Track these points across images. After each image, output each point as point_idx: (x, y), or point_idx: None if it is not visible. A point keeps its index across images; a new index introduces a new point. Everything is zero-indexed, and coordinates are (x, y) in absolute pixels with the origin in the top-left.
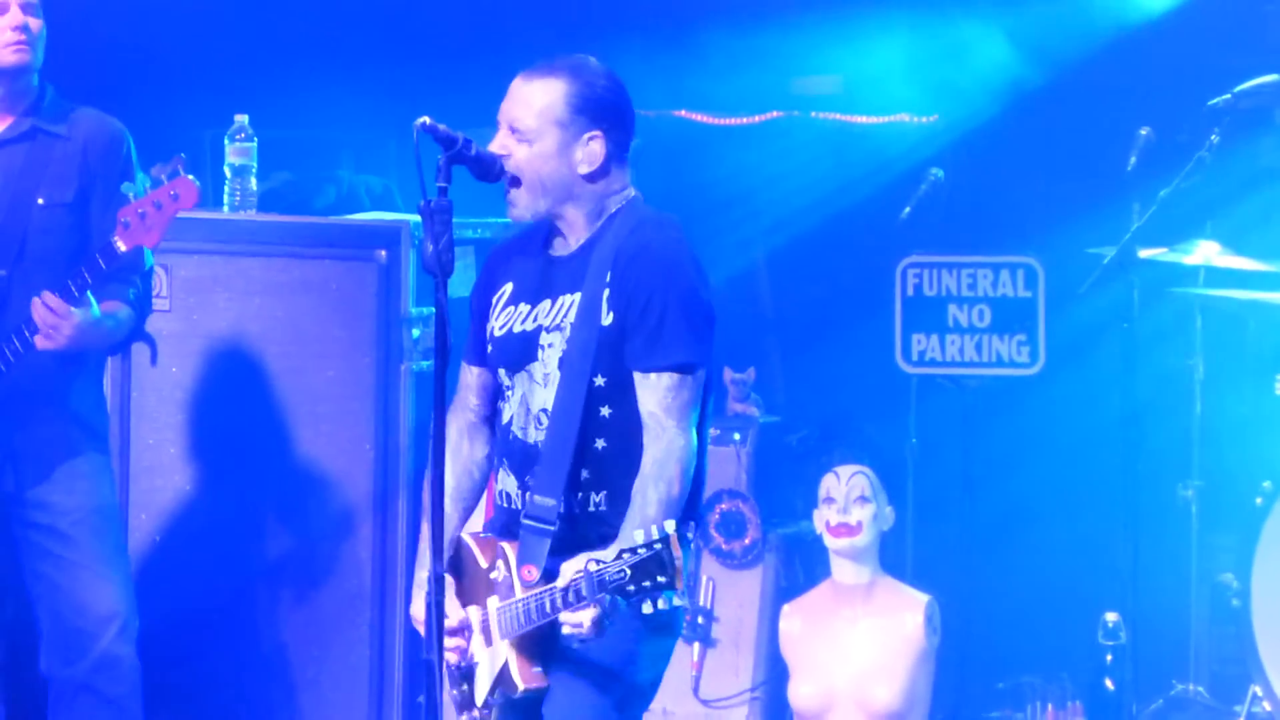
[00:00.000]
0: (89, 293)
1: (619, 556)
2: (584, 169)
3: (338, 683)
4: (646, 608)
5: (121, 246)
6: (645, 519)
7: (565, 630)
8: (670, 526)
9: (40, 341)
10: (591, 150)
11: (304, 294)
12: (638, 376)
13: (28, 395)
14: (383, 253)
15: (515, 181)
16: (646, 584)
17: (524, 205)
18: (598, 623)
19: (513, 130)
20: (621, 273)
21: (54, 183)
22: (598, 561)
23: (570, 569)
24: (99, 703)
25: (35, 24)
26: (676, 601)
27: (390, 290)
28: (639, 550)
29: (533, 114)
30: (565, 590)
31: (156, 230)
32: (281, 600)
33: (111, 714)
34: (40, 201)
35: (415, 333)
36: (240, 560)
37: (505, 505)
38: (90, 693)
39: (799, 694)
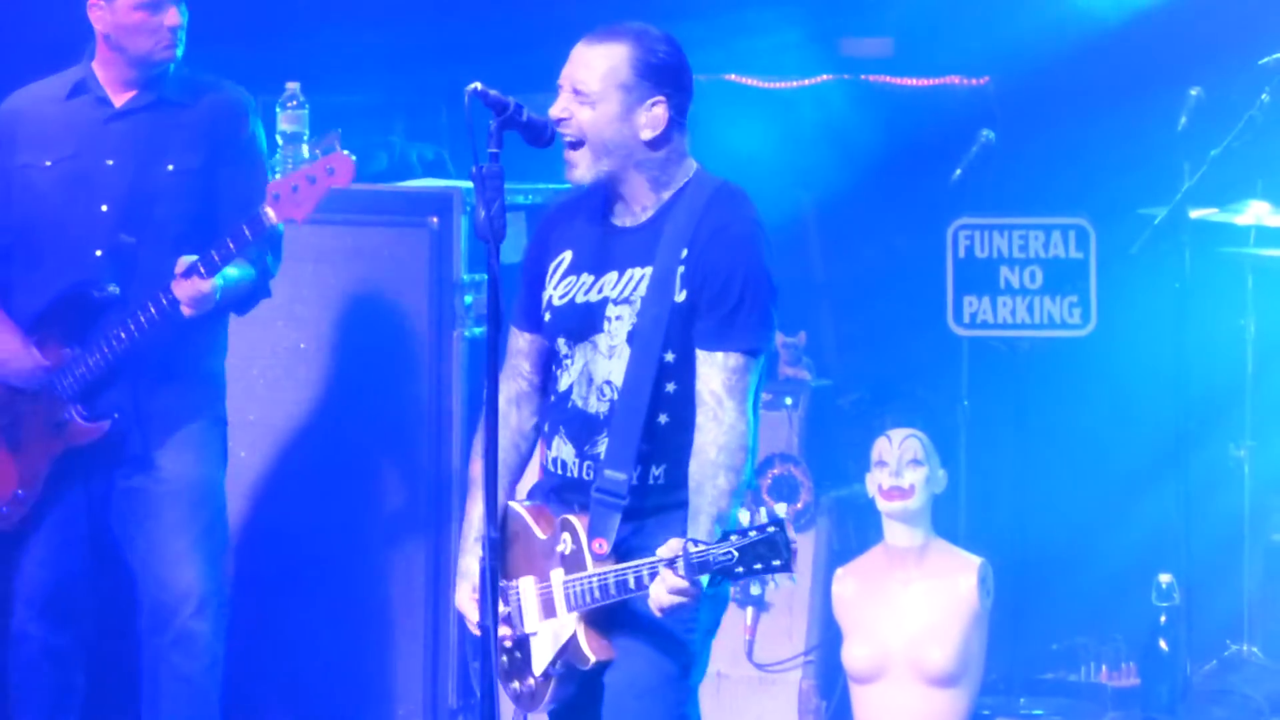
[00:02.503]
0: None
1: (725, 538)
2: (647, 134)
3: (392, 655)
4: (755, 589)
5: (272, 218)
6: (720, 510)
7: (655, 607)
8: (782, 511)
9: (186, 311)
10: (655, 115)
11: (356, 261)
12: (702, 354)
13: (157, 360)
14: (435, 219)
15: (576, 144)
16: (758, 566)
17: (584, 168)
18: (691, 598)
19: (576, 93)
20: (699, 251)
21: (181, 150)
22: (695, 543)
23: (666, 552)
24: (174, 677)
25: (183, 19)
26: (790, 584)
27: (442, 257)
28: (749, 533)
29: (596, 77)
30: (655, 568)
31: (308, 204)
32: (334, 564)
33: (184, 690)
34: (170, 168)
35: (467, 299)
36: (291, 525)
37: (559, 473)
38: (168, 666)
39: (853, 656)
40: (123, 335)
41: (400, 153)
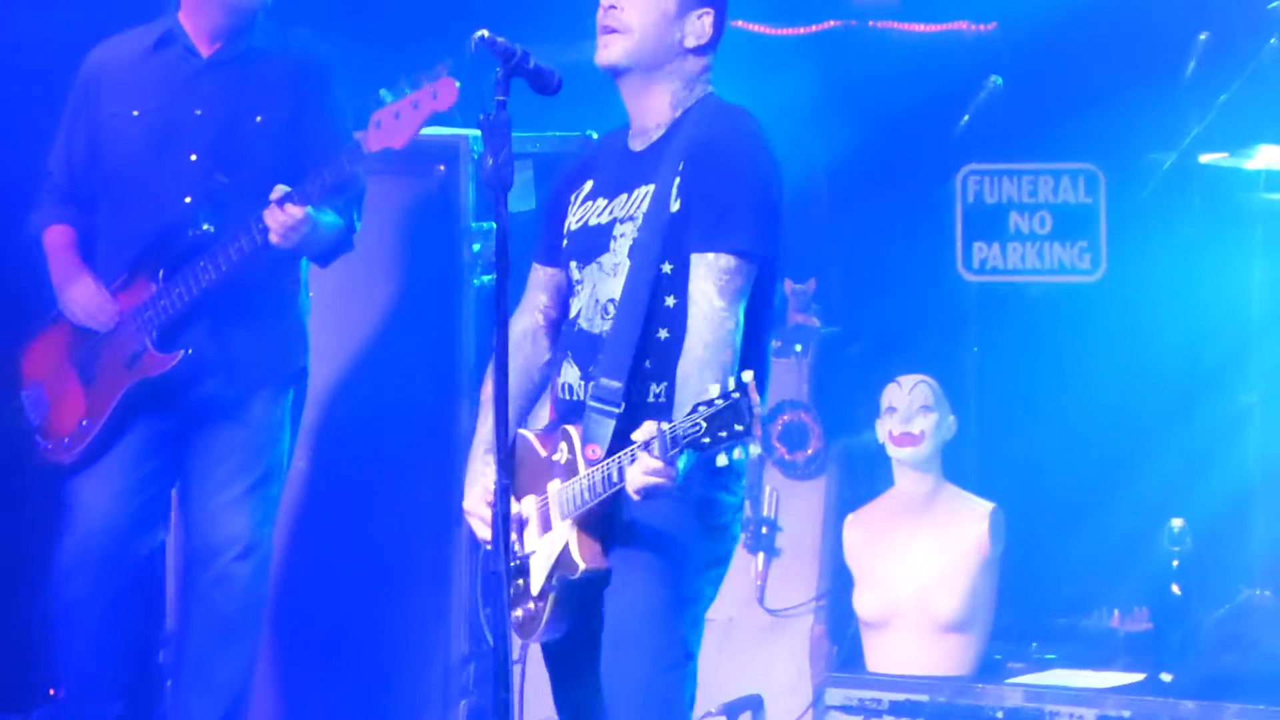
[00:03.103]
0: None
1: (693, 410)
2: (690, 41)
3: (400, 595)
4: (721, 460)
5: (372, 146)
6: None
7: (631, 490)
8: (747, 376)
9: (273, 238)
10: (702, 24)
11: (363, 210)
12: (695, 257)
13: (240, 302)
14: (441, 167)
15: (613, 30)
16: (723, 434)
17: (621, 51)
18: (667, 479)
19: None
20: (695, 160)
21: (270, 101)
22: (668, 422)
23: (640, 435)
24: (211, 615)
25: None
26: (753, 450)
27: (449, 205)
28: (715, 402)
29: None
30: (631, 453)
31: (409, 130)
32: (341, 507)
33: (220, 627)
34: (258, 119)
35: (475, 247)
36: (295, 473)
37: (566, 397)
38: (206, 604)
39: (863, 602)
40: (209, 270)
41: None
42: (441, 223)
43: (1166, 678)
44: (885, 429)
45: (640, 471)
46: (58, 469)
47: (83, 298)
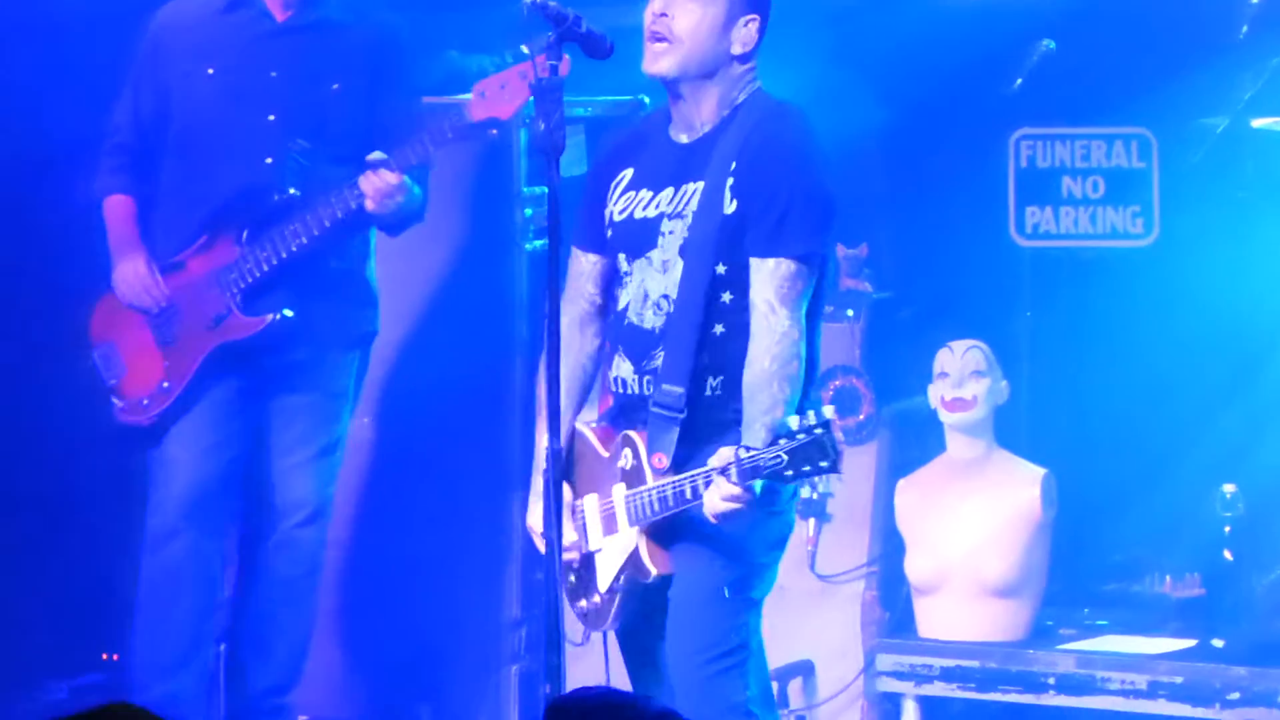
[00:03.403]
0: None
1: (775, 443)
2: (737, 49)
3: (452, 561)
4: (805, 491)
5: (476, 116)
6: (774, 419)
7: (709, 514)
8: (829, 413)
9: (370, 205)
10: (748, 32)
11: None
12: (755, 262)
13: (320, 267)
14: (494, 131)
15: (664, 39)
16: (806, 468)
17: (669, 62)
18: (745, 505)
19: None
20: (748, 162)
21: (346, 70)
22: (747, 449)
23: (718, 461)
24: (273, 580)
25: None
26: (836, 484)
27: (501, 169)
28: (797, 436)
29: None
30: (707, 478)
31: (517, 100)
32: (393, 475)
33: (282, 591)
34: (335, 87)
35: (527, 211)
36: (350, 440)
37: (621, 391)
38: (269, 569)
39: (915, 567)
40: (300, 234)
41: (458, 65)
42: (493, 187)
43: (1218, 643)
44: (937, 394)
45: (719, 497)
46: (132, 430)
47: (133, 277)
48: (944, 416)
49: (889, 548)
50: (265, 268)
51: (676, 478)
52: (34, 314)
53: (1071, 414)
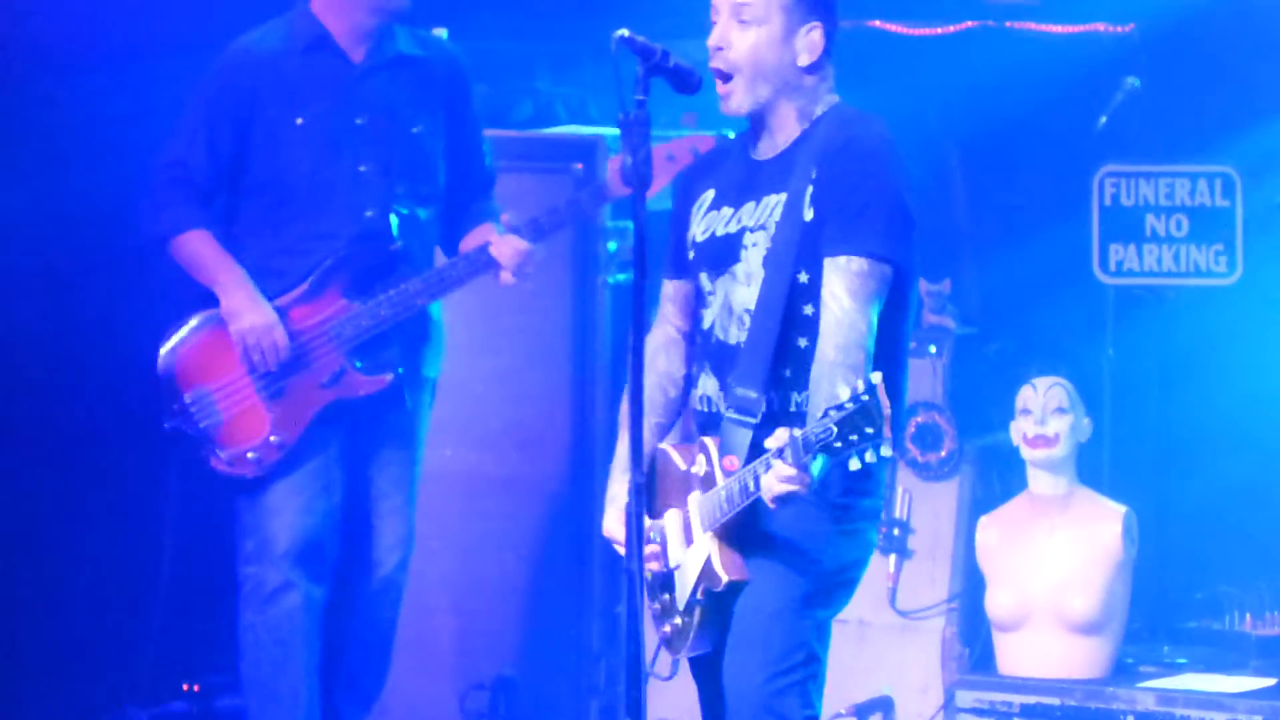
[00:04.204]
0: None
1: (824, 415)
2: (804, 59)
3: (535, 597)
4: (854, 464)
5: (618, 191)
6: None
7: (767, 498)
8: (876, 378)
9: (505, 277)
10: (812, 40)
11: (501, 207)
12: (827, 261)
13: (420, 318)
14: (579, 165)
15: (730, 75)
16: (854, 438)
17: (741, 96)
18: (802, 485)
19: (737, 17)
20: (826, 168)
21: (425, 110)
22: (799, 428)
23: (773, 442)
24: (371, 624)
25: None
26: (885, 452)
27: None
28: (845, 405)
29: None
30: (766, 461)
31: (662, 179)
32: (477, 512)
33: (377, 637)
34: (416, 129)
35: (612, 245)
36: (434, 471)
37: (705, 410)
38: (367, 614)
39: (996, 604)
40: (424, 295)
41: (545, 99)
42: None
43: None
44: (1019, 431)
45: (775, 479)
46: (231, 479)
47: (263, 328)
48: (1026, 453)
49: (970, 584)
50: (383, 324)
51: (740, 470)
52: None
53: (1153, 452)
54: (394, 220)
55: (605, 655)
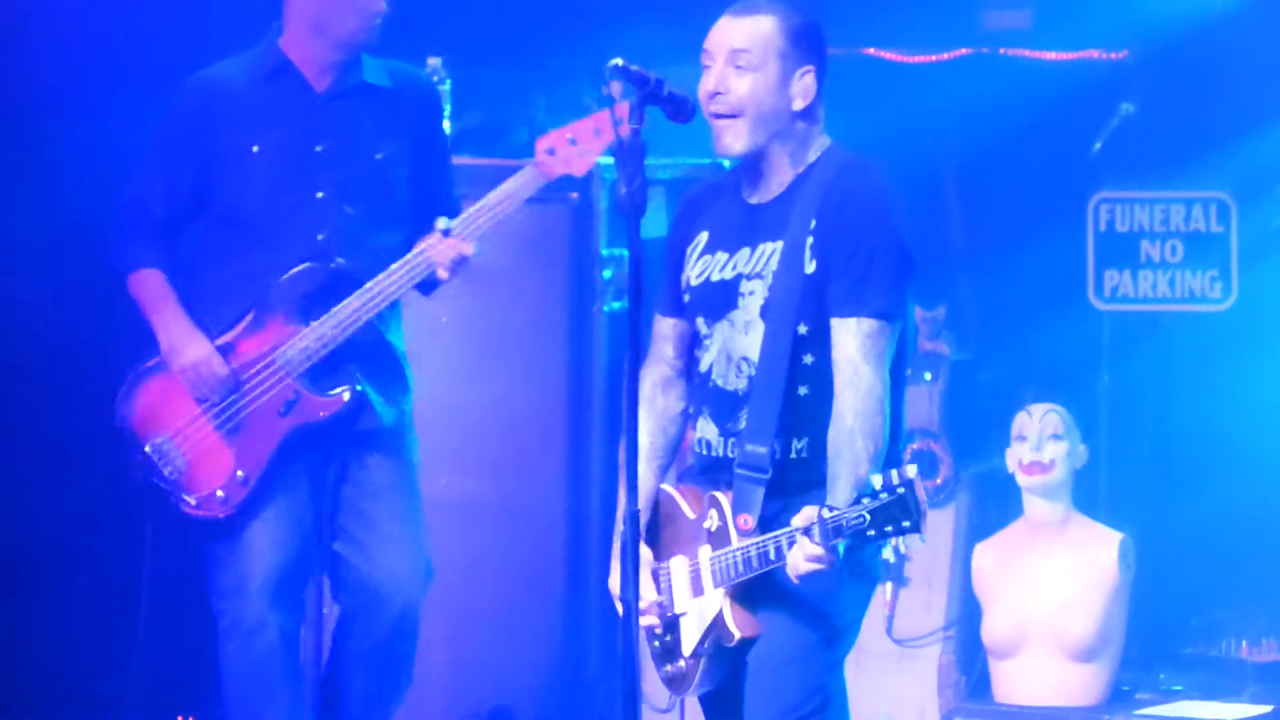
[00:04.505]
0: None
1: (857, 502)
2: (798, 104)
3: (532, 625)
4: (887, 552)
5: (551, 174)
6: (858, 477)
7: (793, 574)
8: (912, 471)
9: (442, 273)
10: (806, 84)
11: (496, 236)
12: (836, 322)
13: (373, 336)
14: (575, 194)
15: (729, 116)
16: (889, 528)
17: (739, 139)
18: (828, 564)
19: (733, 63)
20: (827, 220)
21: (387, 137)
22: (830, 509)
23: (801, 520)
24: (389, 657)
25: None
26: (918, 543)
27: (582, 231)
28: (880, 495)
29: (758, 43)
30: (792, 536)
31: (590, 156)
32: (473, 540)
33: (396, 669)
34: (378, 157)
35: (607, 274)
36: (429, 500)
37: (705, 453)
38: (384, 647)
39: (992, 630)
40: (365, 310)
41: (541, 127)
42: (574, 249)
43: None
44: (1015, 457)
45: (803, 558)
46: (203, 521)
47: (202, 365)
48: (1022, 480)
49: (966, 611)
50: (330, 345)
51: (761, 538)
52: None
53: (1149, 478)
54: (340, 242)
55: (603, 685)
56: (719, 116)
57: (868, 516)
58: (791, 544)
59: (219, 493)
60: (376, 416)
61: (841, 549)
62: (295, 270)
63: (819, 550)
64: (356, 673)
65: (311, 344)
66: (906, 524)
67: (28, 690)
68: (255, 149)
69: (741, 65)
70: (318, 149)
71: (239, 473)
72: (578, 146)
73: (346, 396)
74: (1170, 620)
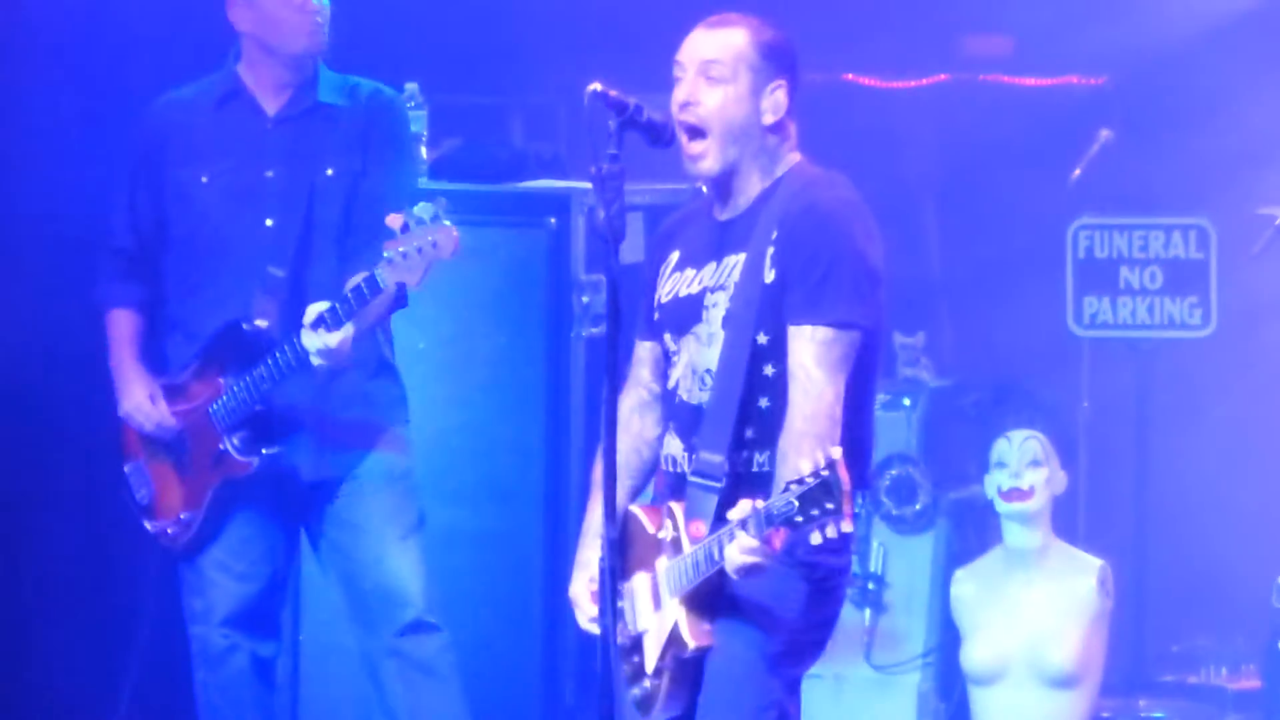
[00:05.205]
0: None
1: (785, 489)
2: (769, 118)
3: (509, 652)
4: (815, 538)
5: (389, 282)
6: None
7: (731, 570)
8: (836, 453)
9: (316, 362)
10: (777, 99)
11: (474, 261)
12: (792, 329)
13: (326, 390)
14: (553, 219)
15: (699, 133)
16: (815, 512)
17: (712, 157)
18: (765, 557)
19: (705, 74)
20: (787, 230)
21: (340, 153)
22: (762, 500)
23: (736, 514)
24: (408, 667)
25: (326, 7)
26: (845, 528)
27: (560, 257)
28: (806, 480)
29: (729, 55)
30: (730, 532)
31: (418, 272)
32: (450, 569)
33: (421, 676)
34: (329, 172)
35: (585, 299)
36: None
37: (670, 470)
38: (399, 657)
39: (972, 658)
40: (264, 374)
41: (519, 152)
42: (552, 275)
43: None
44: (994, 484)
45: (738, 550)
46: (168, 551)
47: (136, 408)
48: (1001, 507)
49: (945, 638)
50: (246, 408)
51: (705, 539)
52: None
53: (1129, 505)
54: (299, 269)
55: (580, 712)
56: (690, 130)
57: (795, 503)
58: (732, 540)
59: (169, 529)
60: (324, 468)
61: (777, 541)
62: (220, 326)
63: (754, 542)
64: (385, 687)
65: (243, 396)
66: (830, 505)
67: (26, 708)
68: (204, 179)
69: (713, 76)
70: (268, 174)
71: (183, 514)
72: (409, 261)
73: (255, 463)
74: (1150, 647)
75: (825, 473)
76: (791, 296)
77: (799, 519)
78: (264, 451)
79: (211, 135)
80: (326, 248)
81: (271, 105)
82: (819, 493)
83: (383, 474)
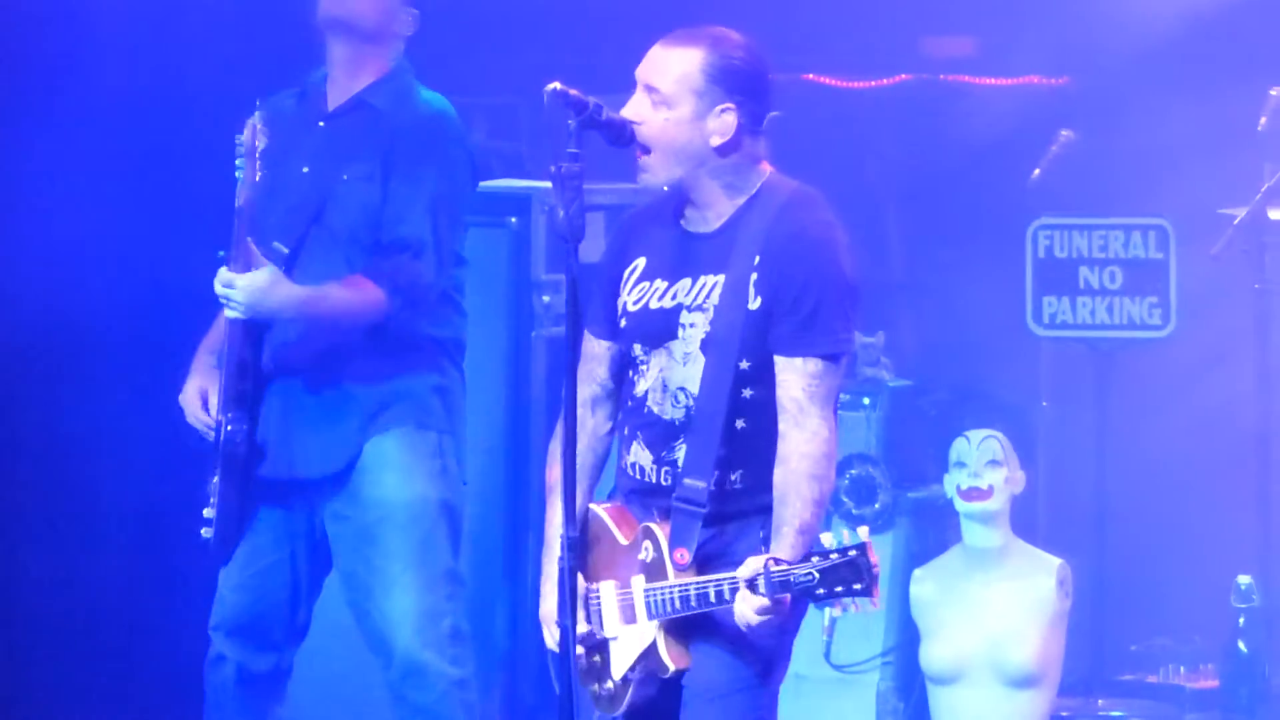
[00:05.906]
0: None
1: (807, 559)
2: (716, 140)
3: (477, 637)
4: (835, 611)
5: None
6: (803, 522)
7: (741, 624)
8: (864, 534)
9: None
10: (724, 121)
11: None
12: (781, 361)
13: (322, 385)
14: (513, 219)
15: (647, 149)
16: (839, 589)
17: (655, 172)
18: (776, 614)
19: (650, 96)
20: (772, 257)
21: (360, 158)
22: (777, 561)
23: (747, 571)
24: (411, 710)
25: None
26: (871, 608)
27: (521, 256)
28: (830, 555)
29: (670, 80)
30: (735, 584)
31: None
32: None
33: None
34: (345, 177)
35: (546, 299)
36: None
37: (638, 477)
38: (401, 699)
39: (931, 657)
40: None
41: (479, 152)
42: (513, 274)
43: None
44: (954, 483)
45: (751, 610)
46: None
47: (185, 404)
48: (960, 506)
49: (905, 638)
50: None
51: (700, 579)
52: None
53: (1088, 505)
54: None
55: (540, 708)
56: (639, 148)
57: (816, 575)
58: (734, 590)
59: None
60: (317, 464)
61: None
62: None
63: (766, 602)
64: None
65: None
66: (857, 586)
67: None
68: (257, 177)
69: (655, 100)
70: (304, 170)
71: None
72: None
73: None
74: (1109, 647)
75: (853, 554)
76: (780, 328)
77: (820, 591)
78: (228, 429)
79: (278, 133)
80: (329, 249)
81: (333, 103)
82: (846, 571)
83: (389, 498)
